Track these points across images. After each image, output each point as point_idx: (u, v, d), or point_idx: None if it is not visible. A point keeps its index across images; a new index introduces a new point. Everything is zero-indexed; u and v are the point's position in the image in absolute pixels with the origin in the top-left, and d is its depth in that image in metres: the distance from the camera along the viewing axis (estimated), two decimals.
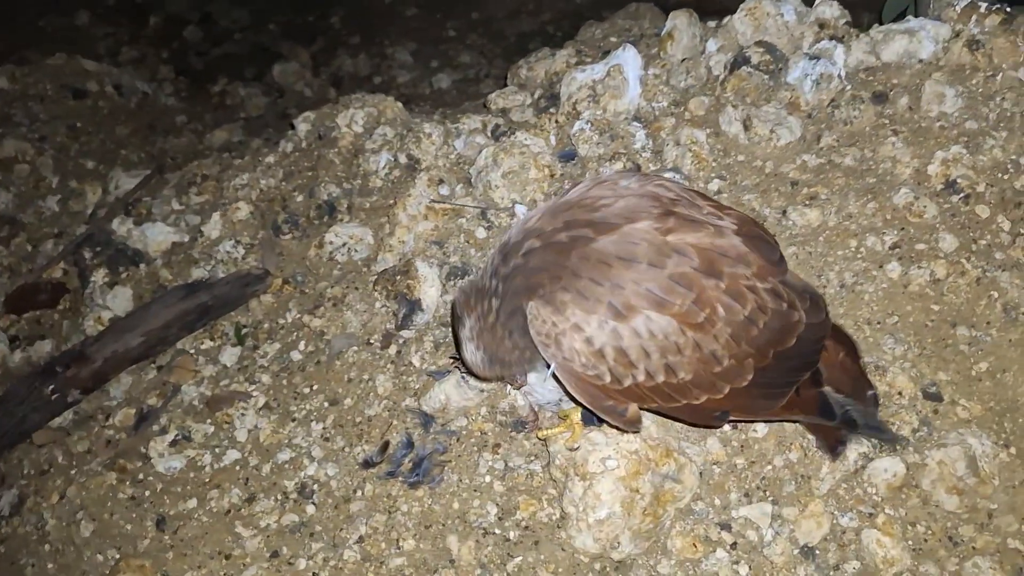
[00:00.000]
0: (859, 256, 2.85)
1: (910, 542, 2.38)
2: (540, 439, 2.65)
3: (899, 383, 2.59)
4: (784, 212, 2.98)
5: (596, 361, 2.11)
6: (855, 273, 2.81)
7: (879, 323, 2.73)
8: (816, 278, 2.83)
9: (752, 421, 2.58)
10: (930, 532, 2.40)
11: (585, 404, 2.24)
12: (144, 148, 5.23)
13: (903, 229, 2.87)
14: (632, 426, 2.28)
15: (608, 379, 2.14)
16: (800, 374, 2.29)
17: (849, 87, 3.20)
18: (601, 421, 2.43)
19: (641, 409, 2.27)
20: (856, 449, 2.51)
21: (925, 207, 2.87)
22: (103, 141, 5.17)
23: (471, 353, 2.39)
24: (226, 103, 6.22)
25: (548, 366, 2.23)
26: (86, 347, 3.46)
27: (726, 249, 2.13)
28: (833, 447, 2.49)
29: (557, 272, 2.12)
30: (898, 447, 2.49)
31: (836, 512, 2.45)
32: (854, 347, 2.52)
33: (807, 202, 2.98)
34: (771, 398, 2.28)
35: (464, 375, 2.84)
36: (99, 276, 3.86)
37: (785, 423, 2.57)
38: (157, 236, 3.87)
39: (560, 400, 2.67)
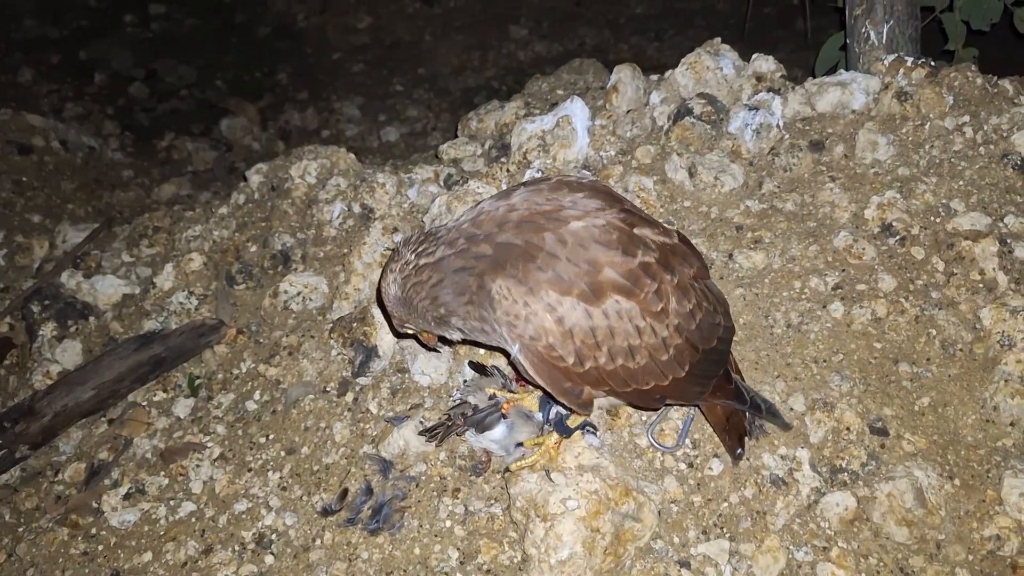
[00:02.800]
0: (804, 297, 2.96)
1: (863, 574, 2.44)
2: (513, 471, 2.67)
3: (847, 419, 2.68)
4: (731, 255, 3.08)
5: (564, 340, 2.20)
6: (800, 313, 2.92)
7: (825, 361, 2.82)
8: (764, 318, 2.93)
9: (684, 404, 2.69)
10: (882, 564, 2.47)
11: (544, 385, 2.31)
12: (91, 203, 5.18)
13: (844, 270, 3.00)
14: (585, 408, 2.38)
15: (571, 360, 2.22)
16: (719, 368, 2.48)
17: (787, 136, 3.35)
18: (565, 431, 2.54)
19: (594, 392, 2.36)
20: (809, 484, 2.59)
21: (864, 249, 3.00)
22: (49, 196, 5.11)
23: (387, 284, 2.40)
24: (173, 157, 6.21)
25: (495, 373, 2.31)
26: (35, 402, 3.39)
27: (675, 248, 2.33)
28: (735, 448, 2.61)
29: (532, 251, 2.19)
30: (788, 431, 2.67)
31: (791, 547, 2.50)
32: None
33: (752, 245, 3.09)
34: (701, 386, 2.45)
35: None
36: (47, 330, 3.80)
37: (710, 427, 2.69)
38: (107, 289, 3.84)
39: (504, 439, 2.72)
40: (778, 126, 3.35)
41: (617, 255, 2.19)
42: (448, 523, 2.69)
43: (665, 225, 2.40)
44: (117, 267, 3.97)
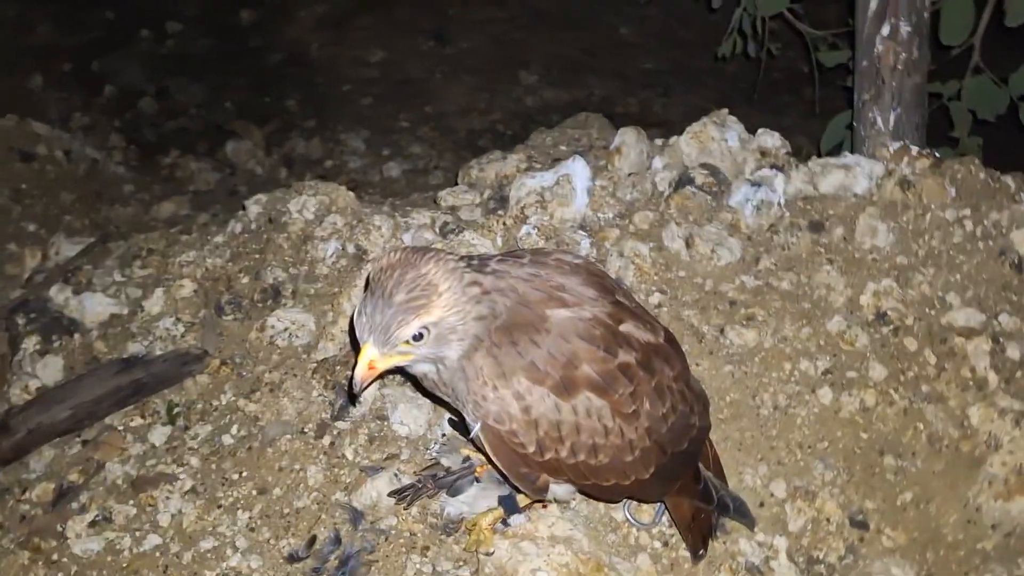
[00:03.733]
0: (793, 379, 2.94)
1: None
2: (467, 551, 2.64)
3: (827, 509, 2.66)
4: (722, 330, 3.07)
5: (527, 429, 2.15)
6: (789, 396, 2.89)
7: (810, 447, 2.80)
8: (751, 398, 2.90)
9: (644, 502, 2.65)
10: None
11: (500, 467, 2.27)
12: (88, 215, 5.16)
13: (835, 356, 2.98)
14: (538, 493, 2.34)
15: (532, 449, 2.17)
16: (688, 468, 2.44)
17: (788, 214, 3.35)
18: (510, 512, 2.53)
19: (551, 480, 2.32)
20: (785, 574, 2.55)
21: (857, 336, 2.99)
22: (47, 206, 5.09)
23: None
24: (176, 175, 6.20)
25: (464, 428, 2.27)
26: (10, 417, 3.34)
27: (659, 348, 2.27)
28: (696, 547, 2.56)
29: (515, 334, 2.12)
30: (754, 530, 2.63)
31: None
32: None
33: (745, 322, 3.07)
34: (666, 486, 2.42)
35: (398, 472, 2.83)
36: (31, 344, 3.75)
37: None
38: (96, 307, 3.79)
39: (475, 503, 2.70)
40: (779, 203, 3.35)
41: (598, 352, 2.14)
42: None
43: (653, 321, 2.37)
44: (107, 285, 3.93)
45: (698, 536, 2.56)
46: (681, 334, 3.06)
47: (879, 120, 3.73)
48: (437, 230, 3.65)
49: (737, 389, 2.93)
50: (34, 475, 3.35)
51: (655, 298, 3.20)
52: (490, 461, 2.32)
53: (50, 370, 3.66)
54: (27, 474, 3.37)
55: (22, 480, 3.34)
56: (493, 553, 2.52)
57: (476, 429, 2.21)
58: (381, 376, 2.36)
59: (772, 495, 2.69)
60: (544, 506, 2.59)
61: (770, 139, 3.60)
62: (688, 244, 3.30)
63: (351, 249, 3.56)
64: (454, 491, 2.72)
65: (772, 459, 2.77)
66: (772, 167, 3.45)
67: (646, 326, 2.28)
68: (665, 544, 2.64)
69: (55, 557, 2.97)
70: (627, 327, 2.21)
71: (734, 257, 3.27)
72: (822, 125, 4.78)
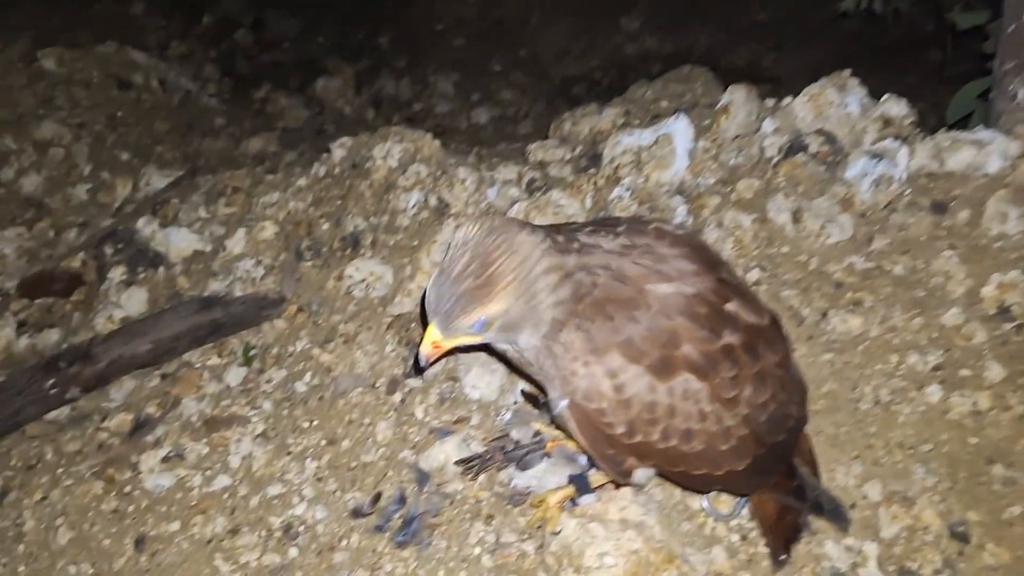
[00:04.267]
0: (898, 373, 2.71)
1: None
2: (530, 526, 2.54)
3: (926, 517, 2.44)
4: (824, 314, 2.84)
5: (617, 409, 2.01)
6: (892, 391, 2.67)
7: (912, 449, 2.58)
8: (850, 390, 2.69)
9: (734, 494, 2.49)
10: None
11: (586, 446, 2.14)
12: (180, 147, 5.17)
13: (948, 351, 2.72)
14: (624, 477, 2.20)
15: (621, 430, 2.04)
16: (783, 462, 2.28)
17: (908, 192, 3.07)
18: (582, 493, 2.41)
19: (640, 464, 2.18)
20: None
21: (975, 331, 2.72)
22: (141, 135, 5.12)
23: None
24: (266, 110, 6.17)
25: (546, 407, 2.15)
26: (93, 346, 3.38)
27: (763, 331, 2.10)
28: (779, 551, 2.39)
29: (611, 308, 1.99)
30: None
31: None
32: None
33: (850, 307, 2.84)
34: (758, 480, 2.27)
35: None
36: (117, 274, 3.79)
37: None
38: (180, 242, 3.80)
39: (544, 479, 2.60)
40: (900, 179, 3.06)
41: (701, 332, 1.99)
42: (477, 550, 2.56)
43: (758, 301, 2.18)
44: (193, 221, 3.93)
45: (781, 538, 2.39)
46: (779, 315, 2.85)
47: (1020, 94, 3.37)
48: (523, 186, 3.49)
49: (836, 380, 2.71)
50: (114, 404, 3.41)
51: (753, 275, 2.99)
52: (573, 440, 2.21)
53: (134, 301, 3.69)
54: (107, 402, 3.42)
55: (102, 408, 3.40)
56: (560, 532, 2.41)
57: (562, 406, 2.08)
58: (449, 353, 2.22)
59: (865, 497, 2.49)
60: (616, 488, 2.46)
61: (896, 107, 3.28)
62: (795, 218, 3.05)
63: (433, 201, 3.44)
64: (523, 465, 2.61)
65: (868, 458, 2.56)
66: (895, 138, 3.15)
67: (751, 306, 2.10)
68: (743, 538, 2.48)
69: (127, 489, 3.02)
70: (733, 306, 2.04)
71: (844, 235, 3.01)
72: (947, 93, 4.38)
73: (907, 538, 2.43)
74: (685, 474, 2.15)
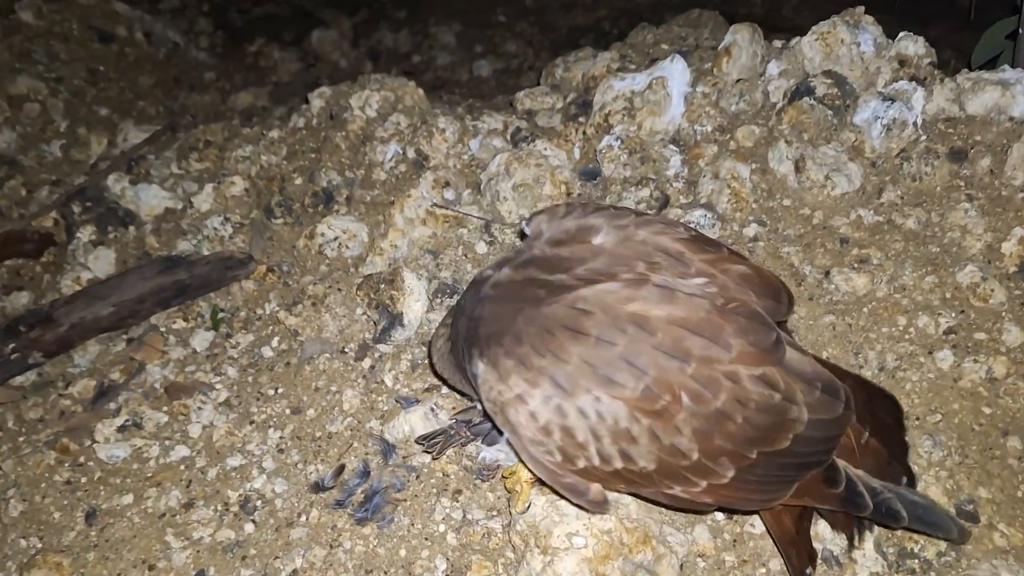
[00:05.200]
0: (907, 337, 2.46)
1: None
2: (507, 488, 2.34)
3: (931, 494, 2.21)
4: (827, 273, 2.59)
5: (543, 437, 1.81)
6: (899, 356, 2.42)
7: (919, 419, 2.34)
8: (853, 355, 2.44)
9: (750, 513, 2.21)
10: None
11: (544, 479, 1.93)
12: (164, 102, 4.97)
13: (963, 312, 2.47)
14: (598, 507, 1.95)
15: (559, 458, 1.83)
16: (802, 472, 1.92)
17: (924, 138, 2.79)
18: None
19: (608, 490, 1.94)
20: (869, 568, 2.14)
21: (992, 291, 2.46)
22: (123, 90, 4.92)
23: (437, 345, 2.25)
24: (259, 64, 5.93)
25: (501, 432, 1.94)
26: (54, 309, 3.22)
27: (699, 326, 1.77)
28: (802, 569, 2.06)
29: (502, 332, 1.83)
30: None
31: None
32: (896, 412, 2.17)
33: (856, 265, 2.58)
34: (766, 493, 1.93)
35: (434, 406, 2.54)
36: (85, 234, 3.61)
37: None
38: (151, 199, 3.61)
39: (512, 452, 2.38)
40: (915, 124, 2.78)
41: (588, 341, 1.74)
42: (442, 527, 2.37)
43: (701, 295, 1.83)
44: (165, 178, 3.74)
45: (804, 555, 2.10)
46: (778, 274, 2.60)
47: None
48: (508, 137, 3.26)
49: (837, 344, 2.47)
50: (78, 370, 3.25)
51: (751, 230, 2.74)
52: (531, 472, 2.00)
53: (102, 263, 3.52)
54: (72, 368, 3.27)
55: (67, 374, 3.24)
56: (527, 510, 2.20)
57: (504, 438, 1.93)
58: None
59: None
60: None
61: (912, 45, 2.99)
62: (798, 167, 2.79)
63: (411, 154, 3.21)
64: (490, 440, 2.41)
65: None
66: (911, 80, 2.87)
67: (685, 302, 1.79)
68: (729, 517, 2.27)
69: (81, 460, 2.86)
70: (641, 306, 1.76)
71: (852, 186, 2.75)
72: (975, 41, 4.04)
73: None
74: (660, 493, 1.90)
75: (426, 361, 2.76)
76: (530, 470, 1.96)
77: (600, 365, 1.73)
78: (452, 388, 2.53)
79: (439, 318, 2.78)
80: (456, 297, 2.82)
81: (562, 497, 2.04)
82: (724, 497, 1.90)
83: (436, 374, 2.40)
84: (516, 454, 1.95)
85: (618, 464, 1.80)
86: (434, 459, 2.47)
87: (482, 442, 2.41)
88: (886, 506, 1.95)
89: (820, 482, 1.95)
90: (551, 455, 1.83)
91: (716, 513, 2.28)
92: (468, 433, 2.43)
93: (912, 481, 2.13)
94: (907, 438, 2.20)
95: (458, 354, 2.07)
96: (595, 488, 1.90)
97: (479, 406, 2.47)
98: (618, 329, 1.74)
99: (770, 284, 1.96)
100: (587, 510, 2.02)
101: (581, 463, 1.82)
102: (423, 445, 2.47)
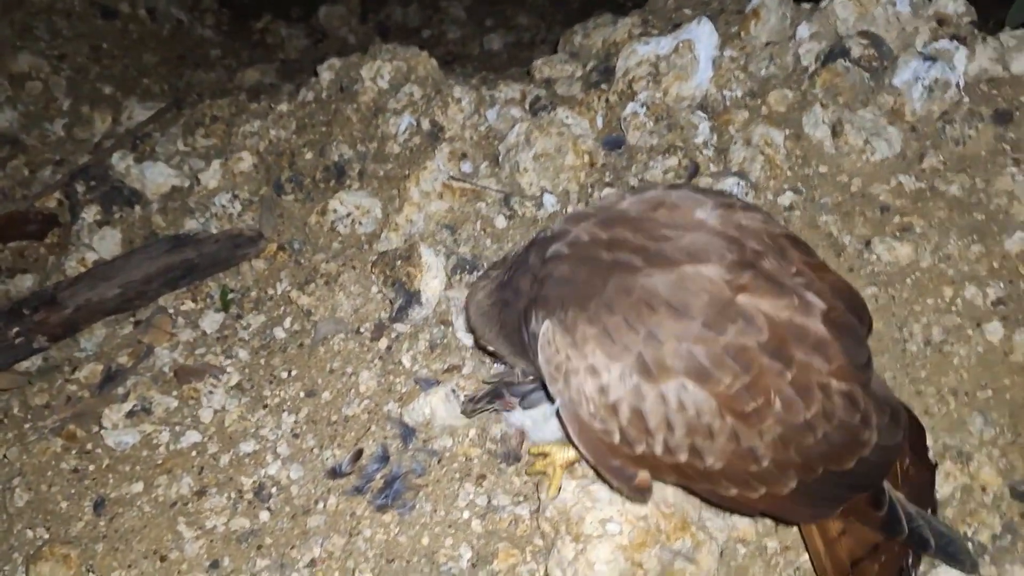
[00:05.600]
0: (953, 309, 2.33)
1: None
2: (528, 475, 2.22)
3: (983, 475, 2.10)
4: (867, 243, 2.46)
5: (607, 415, 1.69)
6: (946, 330, 2.29)
7: (967, 396, 2.21)
8: (897, 329, 2.32)
9: (789, 523, 2.10)
10: None
11: (586, 455, 1.80)
12: (169, 80, 4.85)
13: (1012, 283, 2.34)
14: (639, 495, 1.83)
15: (617, 439, 1.71)
16: (856, 492, 1.84)
17: (967, 100, 2.65)
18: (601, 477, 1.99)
19: (655, 479, 1.82)
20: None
21: None
22: (126, 67, 4.79)
23: (478, 297, 2.10)
24: (266, 41, 5.80)
25: (551, 399, 1.83)
26: (58, 291, 3.11)
27: (806, 331, 1.67)
28: None
29: (587, 295, 1.70)
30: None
31: None
32: (921, 434, 2.07)
33: (898, 234, 2.45)
34: (816, 508, 1.85)
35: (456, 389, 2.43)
36: (90, 213, 3.50)
37: None
38: (157, 177, 3.49)
39: (543, 422, 2.27)
40: (957, 85, 2.64)
41: (692, 325, 1.61)
42: (466, 514, 2.27)
43: (808, 295, 1.71)
44: (171, 155, 3.62)
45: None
46: (815, 245, 2.48)
47: None
48: (527, 106, 3.13)
49: (880, 317, 2.34)
50: (84, 354, 3.15)
51: (786, 198, 2.61)
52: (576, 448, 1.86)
53: (107, 243, 3.41)
54: (78, 352, 3.17)
55: (73, 358, 3.15)
56: (558, 495, 2.09)
57: (557, 405, 1.78)
58: None
59: None
60: None
61: (951, 3, 2.84)
62: (835, 132, 2.65)
63: (426, 125, 3.09)
64: (527, 403, 2.27)
65: (918, 408, 2.21)
66: (952, 39, 2.72)
67: (792, 301, 1.68)
68: None
69: (88, 447, 2.76)
70: (750, 298, 1.64)
71: (892, 151, 2.62)
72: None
73: (962, 499, 2.11)
74: (714, 493, 1.79)
75: (445, 341, 2.64)
76: (575, 446, 1.83)
77: (701, 354, 1.61)
78: (482, 348, 2.42)
79: (458, 295, 2.67)
80: (476, 273, 2.69)
81: (601, 478, 1.93)
82: (777, 507, 1.82)
83: (469, 328, 2.26)
84: (563, 427, 1.82)
85: (683, 457, 1.69)
86: (466, 414, 2.39)
87: (520, 404, 2.28)
88: (919, 533, 1.89)
89: (867, 502, 1.87)
90: (608, 435, 1.71)
91: None
92: (510, 394, 2.30)
93: (935, 510, 2.05)
94: (934, 460, 2.11)
95: (509, 312, 1.94)
96: (643, 475, 1.78)
97: (517, 372, 2.35)
98: (728, 319, 1.62)
99: (858, 302, 1.87)
100: (625, 495, 1.92)
101: (640, 449, 1.70)
102: (466, 408, 2.37)
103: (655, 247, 1.71)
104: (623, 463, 1.77)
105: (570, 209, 2.75)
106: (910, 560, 1.99)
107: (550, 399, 1.92)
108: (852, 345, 1.72)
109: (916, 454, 2.04)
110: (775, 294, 1.66)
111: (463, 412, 2.40)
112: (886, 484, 1.90)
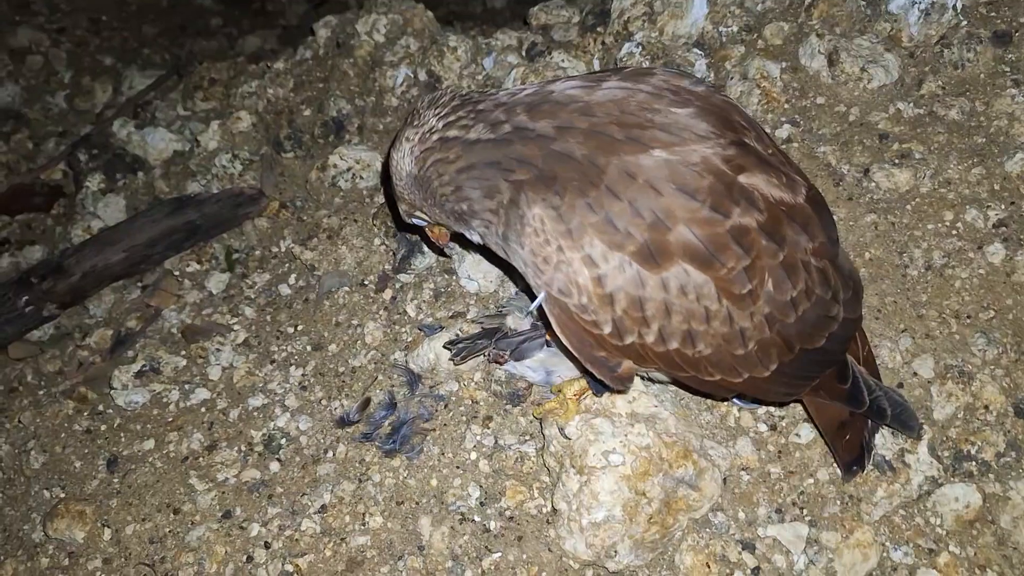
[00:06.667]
0: (954, 232, 2.31)
1: None
2: (536, 416, 2.23)
3: (987, 394, 2.09)
4: (866, 171, 2.44)
5: (601, 305, 1.67)
6: (947, 253, 2.28)
7: (970, 317, 2.20)
8: (897, 255, 2.30)
9: (763, 402, 2.16)
10: None
11: (570, 348, 1.79)
12: (170, 49, 4.83)
13: (1014, 204, 2.32)
14: (621, 384, 1.84)
15: (608, 329, 1.70)
16: (824, 368, 1.88)
17: (965, 23, 2.61)
18: (600, 386, 2.01)
19: (637, 368, 1.83)
20: (923, 471, 2.04)
21: None
22: (126, 39, 4.79)
23: (400, 155, 1.85)
24: (267, 9, 5.74)
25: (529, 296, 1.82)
26: (64, 259, 3.14)
27: (795, 210, 1.68)
28: (848, 460, 2.04)
29: (586, 179, 1.63)
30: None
31: (888, 544, 2.01)
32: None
33: (897, 160, 2.43)
34: (791, 387, 1.89)
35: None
36: (94, 182, 3.52)
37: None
38: (158, 143, 3.50)
39: (542, 369, 2.28)
40: (955, 7, 2.60)
41: (702, 210, 1.58)
42: (473, 455, 2.29)
43: (794, 174, 1.73)
44: (171, 120, 3.63)
45: (851, 446, 2.03)
46: (814, 176, 2.46)
47: None
48: (523, 53, 3.10)
49: (880, 244, 2.33)
50: (94, 320, 3.17)
51: (784, 131, 2.59)
52: (556, 340, 1.86)
53: (112, 210, 3.44)
54: (88, 319, 3.20)
55: (83, 325, 3.18)
56: (565, 427, 2.10)
57: (540, 299, 1.75)
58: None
59: (916, 375, 2.14)
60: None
61: None
62: (831, 62, 2.63)
63: (423, 76, 3.08)
64: (519, 355, 2.29)
65: (919, 331, 2.19)
66: None
67: (781, 179, 1.69)
68: (773, 428, 2.16)
69: (100, 408, 2.80)
70: (751, 178, 1.64)
71: (890, 78, 2.59)
72: None
73: (964, 419, 2.10)
74: (696, 379, 1.80)
75: (449, 289, 2.65)
76: (556, 338, 1.83)
77: (707, 239, 1.60)
78: (405, 226, 2.29)
79: (459, 243, 2.67)
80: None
81: (583, 371, 1.93)
82: (756, 388, 1.84)
83: (394, 198, 2.01)
84: (543, 319, 1.81)
85: (674, 344, 1.70)
86: (457, 364, 2.39)
87: (510, 356, 2.29)
88: (877, 404, 1.95)
89: (833, 377, 1.91)
90: (598, 327, 1.70)
91: (759, 425, 2.17)
92: (495, 346, 2.30)
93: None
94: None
95: (481, 179, 1.76)
96: (627, 364, 1.79)
97: (508, 319, 2.36)
98: (732, 201, 1.61)
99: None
100: (607, 386, 1.92)
101: (630, 339, 1.70)
102: (449, 349, 2.37)
103: (655, 124, 1.67)
104: (609, 354, 1.77)
105: None
106: (870, 428, 2.05)
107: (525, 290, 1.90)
108: (829, 222, 1.75)
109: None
110: (767, 172, 1.66)
111: (452, 359, 2.41)
112: (849, 358, 1.94)
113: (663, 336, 1.68)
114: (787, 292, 1.67)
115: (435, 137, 1.77)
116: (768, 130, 2.60)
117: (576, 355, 1.79)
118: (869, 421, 2.03)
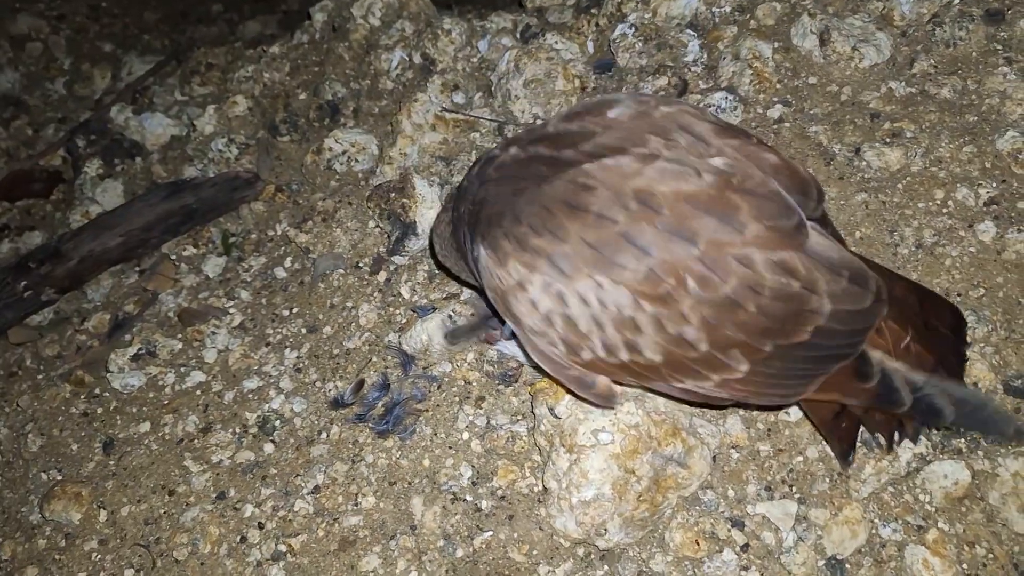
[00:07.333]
0: (945, 211, 2.31)
1: (965, 566, 1.91)
2: (530, 393, 2.25)
3: (976, 371, 2.09)
4: (857, 150, 2.43)
5: (545, 327, 1.69)
6: (937, 231, 2.27)
7: (960, 295, 2.20)
8: (888, 233, 2.30)
9: (769, 409, 2.11)
10: (991, 556, 1.92)
11: (549, 372, 1.80)
12: (170, 35, 4.85)
13: (1005, 182, 2.31)
14: (606, 401, 1.84)
15: (563, 349, 1.71)
16: (825, 366, 1.75)
17: (957, 1, 2.60)
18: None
19: (617, 383, 1.82)
20: (912, 448, 2.03)
21: None
22: (126, 25, 4.80)
23: (439, 230, 2.13)
24: None
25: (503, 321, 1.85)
26: (61, 244, 3.16)
27: (710, 204, 1.59)
28: (845, 451, 1.98)
29: (502, 212, 1.69)
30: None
31: (877, 520, 1.99)
32: (957, 323, 2.00)
33: (888, 139, 2.42)
34: (786, 388, 1.78)
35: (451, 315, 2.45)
36: (92, 167, 3.54)
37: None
38: (156, 128, 3.52)
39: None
40: None
41: (588, 218, 1.58)
42: (466, 435, 2.30)
43: (713, 169, 1.64)
44: (169, 105, 3.65)
45: (843, 440, 2.01)
46: (805, 155, 2.46)
47: None
48: (518, 35, 3.11)
49: (871, 223, 2.33)
50: (92, 305, 3.20)
51: (776, 111, 2.59)
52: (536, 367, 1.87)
53: (110, 195, 3.46)
54: (86, 303, 3.23)
55: (81, 309, 3.21)
56: (555, 407, 2.11)
57: (507, 331, 1.80)
58: None
59: None
60: None
61: None
62: (823, 41, 2.62)
63: (417, 59, 3.08)
64: (507, 332, 2.30)
65: None
66: None
67: (696, 177, 1.61)
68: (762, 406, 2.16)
69: (97, 391, 2.82)
70: (647, 181, 1.59)
71: (882, 57, 2.58)
72: None
73: None
74: (671, 387, 1.76)
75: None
76: (534, 363, 1.85)
77: (600, 245, 1.58)
78: (454, 278, 2.45)
79: None
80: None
81: (569, 392, 1.95)
82: (739, 392, 1.76)
83: (438, 264, 2.28)
84: (521, 347, 1.85)
85: (624, 356, 1.67)
86: (449, 344, 2.39)
87: (501, 335, 2.31)
88: (927, 402, 1.77)
89: (850, 376, 1.78)
90: (555, 346, 1.71)
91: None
92: (489, 323, 2.32)
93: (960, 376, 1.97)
94: (966, 352, 2.03)
95: (460, 239, 1.93)
96: (601, 380, 1.79)
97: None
98: (620, 205, 1.58)
99: (799, 177, 1.77)
100: (595, 404, 1.92)
101: (586, 355, 1.70)
102: (448, 340, 2.39)
103: (564, 155, 1.68)
104: (580, 372, 1.77)
105: None
106: (914, 425, 1.96)
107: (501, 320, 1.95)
108: (774, 210, 1.64)
109: (934, 336, 1.94)
110: (677, 175, 1.61)
111: (445, 340, 2.42)
112: (876, 355, 1.81)
113: (608, 348, 1.67)
114: (717, 288, 1.59)
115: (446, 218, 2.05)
116: (759, 111, 2.61)
117: (553, 375, 1.81)
118: (908, 422, 1.95)
